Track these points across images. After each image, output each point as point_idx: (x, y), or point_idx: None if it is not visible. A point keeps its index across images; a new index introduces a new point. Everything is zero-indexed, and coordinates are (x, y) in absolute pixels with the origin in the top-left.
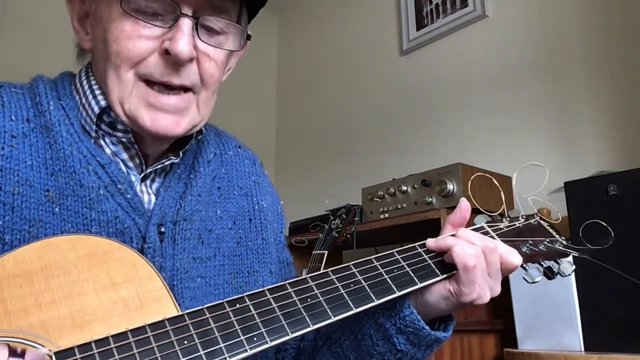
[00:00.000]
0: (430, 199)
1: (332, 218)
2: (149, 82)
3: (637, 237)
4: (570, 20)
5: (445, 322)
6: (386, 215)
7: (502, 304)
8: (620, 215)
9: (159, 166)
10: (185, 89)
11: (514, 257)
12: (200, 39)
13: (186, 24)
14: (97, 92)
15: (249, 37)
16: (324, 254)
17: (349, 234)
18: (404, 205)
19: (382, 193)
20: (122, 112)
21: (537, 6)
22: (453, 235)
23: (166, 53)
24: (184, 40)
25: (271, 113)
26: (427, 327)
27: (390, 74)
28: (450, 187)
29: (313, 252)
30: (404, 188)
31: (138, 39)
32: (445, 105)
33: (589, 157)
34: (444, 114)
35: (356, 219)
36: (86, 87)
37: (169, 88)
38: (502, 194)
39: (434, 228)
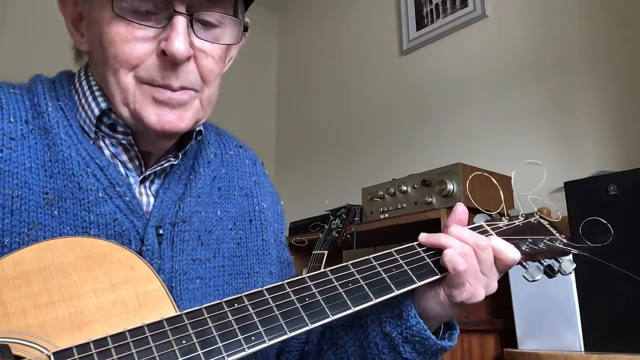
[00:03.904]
0: (430, 199)
1: (332, 218)
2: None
3: (637, 236)
4: (570, 20)
5: (450, 331)
6: (386, 215)
7: (502, 304)
8: (620, 215)
9: (158, 168)
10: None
11: (512, 252)
12: (196, 36)
13: (180, 22)
14: (97, 93)
15: (246, 28)
16: (324, 254)
17: (349, 234)
18: (404, 205)
19: (382, 193)
20: (129, 114)
21: (537, 6)
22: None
23: (163, 54)
24: (179, 39)
25: (271, 113)
26: (433, 337)
27: (390, 74)
28: (450, 187)
29: (313, 252)
30: (404, 188)
31: (134, 41)
32: (445, 105)
33: (589, 157)
34: (444, 114)
35: (356, 219)
36: (85, 87)
37: (170, 90)
38: (501, 192)
39: (434, 228)
